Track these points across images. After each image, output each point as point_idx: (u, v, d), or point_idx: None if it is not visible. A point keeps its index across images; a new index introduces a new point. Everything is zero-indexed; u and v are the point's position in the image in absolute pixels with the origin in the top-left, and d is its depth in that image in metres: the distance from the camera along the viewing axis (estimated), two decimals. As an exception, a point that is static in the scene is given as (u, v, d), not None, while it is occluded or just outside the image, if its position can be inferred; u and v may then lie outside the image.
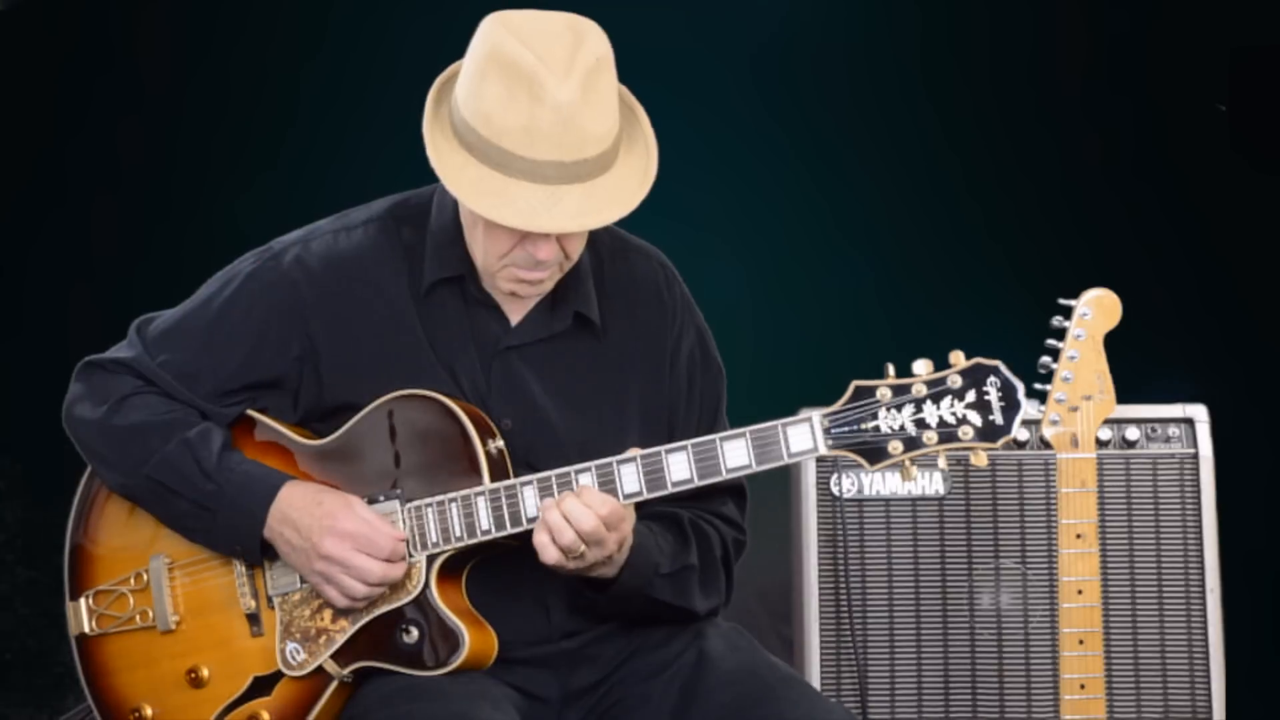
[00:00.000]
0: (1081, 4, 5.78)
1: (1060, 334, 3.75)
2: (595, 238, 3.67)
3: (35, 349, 5.59)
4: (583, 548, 3.42)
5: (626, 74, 3.54)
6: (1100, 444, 4.35)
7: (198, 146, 5.79)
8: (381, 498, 3.58)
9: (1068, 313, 3.74)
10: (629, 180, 3.48)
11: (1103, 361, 3.75)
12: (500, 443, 3.57)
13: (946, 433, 3.41)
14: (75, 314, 5.72)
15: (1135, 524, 4.40)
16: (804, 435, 3.44)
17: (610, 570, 3.53)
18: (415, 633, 3.54)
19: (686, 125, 5.47)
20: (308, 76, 5.77)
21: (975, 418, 3.40)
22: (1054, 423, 3.76)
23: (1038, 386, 3.73)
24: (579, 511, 3.42)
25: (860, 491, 4.44)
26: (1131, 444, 4.41)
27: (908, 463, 3.44)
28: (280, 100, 5.79)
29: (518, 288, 3.57)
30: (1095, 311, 3.74)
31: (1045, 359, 3.76)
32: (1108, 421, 4.03)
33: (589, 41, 3.44)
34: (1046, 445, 4.13)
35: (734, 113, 5.84)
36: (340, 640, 3.58)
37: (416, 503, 3.55)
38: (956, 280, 5.79)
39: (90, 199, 5.80)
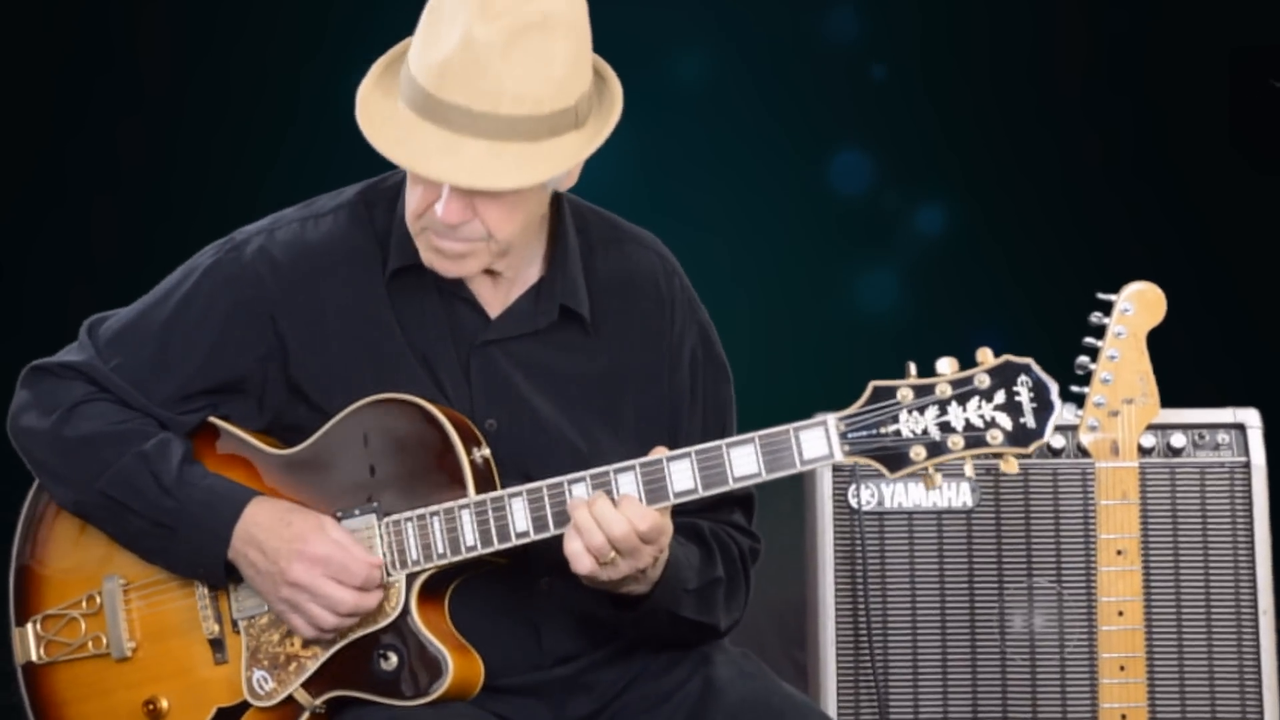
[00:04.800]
0: (1081, 4, 5.71)
1: (1099, 331, 3.39)
2: (584, 222, 3.30)
3: (35, 349, 5.40)
4: (613, 554, 3.07)
5: (628, 73, 3.21)
6: (1143, 452, 3.99)
7: (198, 146, 5.70)
8: (357, 512, 3.17)
9: (1107, 308, 3.39)
10: (553, 154, 3.08)
11: (1146, 362, 3.41)
12: (486, 451, 3.17)
13: (974, 437, 3.03)
14: (75, 315, 5.53)
15: (1181, 539, 4.04)
16: (818, 440, 3.04)
17: (642, 587, 3.17)
18: (394, 659, 3.16)
19: (687, 125, 5.57)
20: (308, 76, 5.66)
21: (1005, 420, 3.01)
22: (1092, 428, 3.42)
23: (1074, 389, 3.39)
24: (610, 516, 3.06)
25: (881, 503, 4.08)
26: (1177, 451, 4.04)
27: (931, 470, 3.05)
28: (280, 100, 5.70)
29: (434, 259, 3.16)
30: (1138, 307, 3.38)
31: (1083, 359, 3.41)
32: (1151, 427, 3.70)
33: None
34: (1084, 453, 3.79)
35: (734, 113, 5.72)
36: (312, 668, 3.18)
37: (395, 517, 3.14)
38: (955, 280, 5.69)
39: (90, 199, 5.71)
